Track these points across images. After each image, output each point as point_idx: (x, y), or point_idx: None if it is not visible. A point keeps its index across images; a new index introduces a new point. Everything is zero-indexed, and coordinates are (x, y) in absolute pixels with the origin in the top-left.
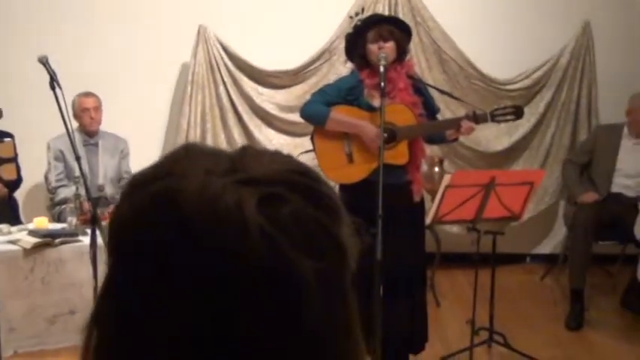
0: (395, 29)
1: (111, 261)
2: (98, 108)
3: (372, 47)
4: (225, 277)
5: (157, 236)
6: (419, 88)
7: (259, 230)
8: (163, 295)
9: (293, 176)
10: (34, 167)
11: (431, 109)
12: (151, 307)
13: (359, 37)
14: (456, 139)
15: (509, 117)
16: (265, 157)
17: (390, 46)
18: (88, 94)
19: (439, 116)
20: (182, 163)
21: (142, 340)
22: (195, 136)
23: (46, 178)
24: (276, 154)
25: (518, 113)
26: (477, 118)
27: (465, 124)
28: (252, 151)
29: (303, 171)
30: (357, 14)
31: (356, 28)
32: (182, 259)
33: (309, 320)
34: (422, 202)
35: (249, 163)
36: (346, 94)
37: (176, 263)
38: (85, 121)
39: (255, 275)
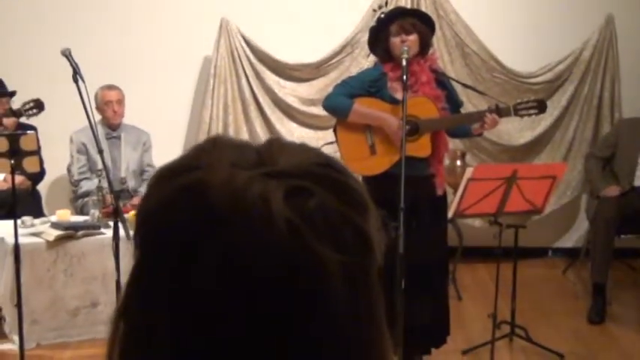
0: (418, 22)
1: (138, 253)
2: (121, 101)
3: (395, 40)
4: (251, 269)
5: (183, 229)
6: (442, 81)
7: (286, 223)
8: (190, 287)
9: (320, 169)
10: (57, 160)
11: (454, 103)
12: (178, 299)
13: (382, 30)
14: (480, 134)
15: (532, 111)
16: (292, 150)
17: (413, 39)
18: (110, 87)
19: (462, 110)
20: (209, 155)
21: (168, 333)
22: (217, 129)
23: (69, 170)
24: (303, 147)
25: (541, 107)
26: (499, 112)
27: (489, 117)
28: (278, 144)
29: (330, 164)
30: (380, 7)
31: (379, 20)
32: (208, 251)
33: (334, 313)
34: (444, 195)
35: (275, 156)
36: (369, 86)
37: (202, 255)
38: (108, 114)
39: (280, 268)
